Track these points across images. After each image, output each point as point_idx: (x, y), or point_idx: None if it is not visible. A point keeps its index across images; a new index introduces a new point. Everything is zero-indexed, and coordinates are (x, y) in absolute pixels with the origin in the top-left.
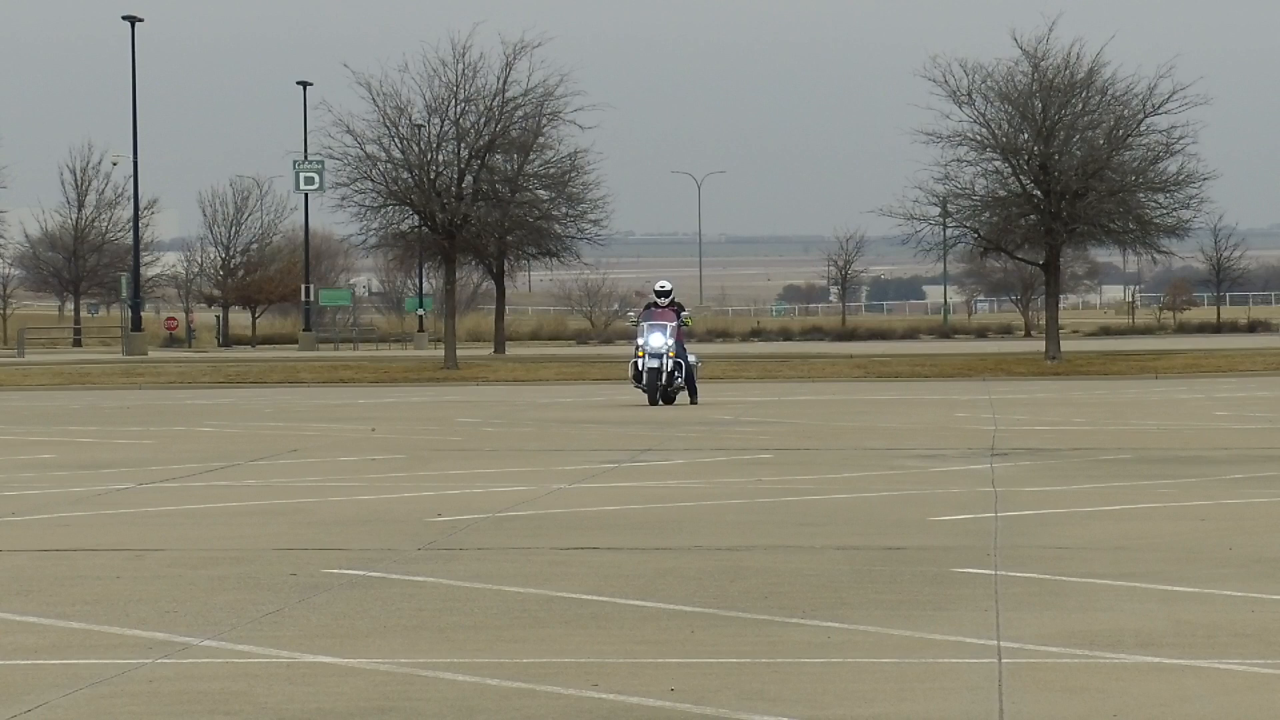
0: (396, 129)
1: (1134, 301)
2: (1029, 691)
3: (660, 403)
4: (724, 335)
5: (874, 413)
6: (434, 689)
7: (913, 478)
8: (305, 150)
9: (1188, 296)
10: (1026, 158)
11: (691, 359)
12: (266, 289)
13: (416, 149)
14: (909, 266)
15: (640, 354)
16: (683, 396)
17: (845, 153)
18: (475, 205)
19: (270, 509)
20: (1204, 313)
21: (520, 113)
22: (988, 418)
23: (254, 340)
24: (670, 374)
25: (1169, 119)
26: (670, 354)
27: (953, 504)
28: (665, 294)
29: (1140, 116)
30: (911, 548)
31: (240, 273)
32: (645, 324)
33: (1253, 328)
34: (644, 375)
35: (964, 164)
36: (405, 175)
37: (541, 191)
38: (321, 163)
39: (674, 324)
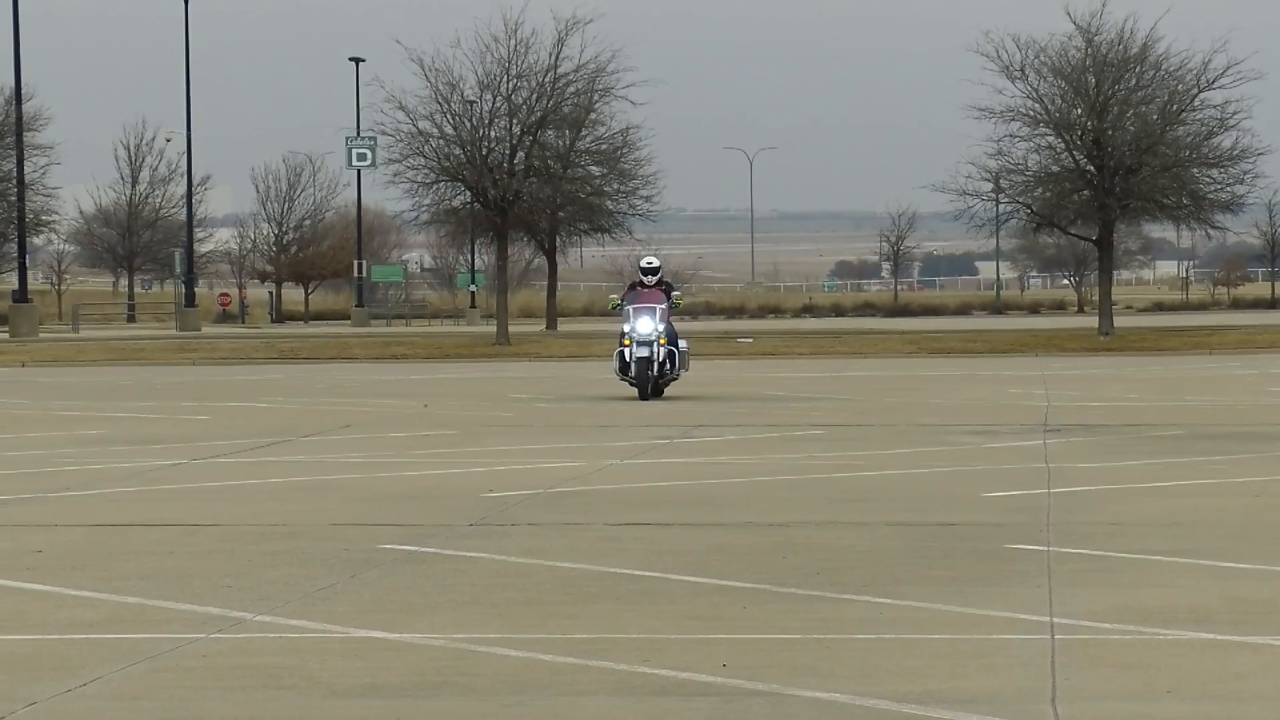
0: (449, 105)
1: (1187, 277)
2: (1082, 667)
3: (650, 396)
4: (776, 311)
5: (926, 389)
6: (486, 664)
7: (965, 454)
8: (358, 126)
9: (1242, 272)
10: (1080, 133)
11: (682, 345)
12: (319, 265)
13: (469, 125)
14: (961, 242)
15: (627, 342)
16: (674, 388)
17: (897, 128)
18: (527, 181)
19: (323, 484)
20: (1258, 288)
21: (572, 89)
22: (1040, 394)
23: (306, 316)
24: (662, 364)
25: (1223, 94)
26: (661, 340)
27: (1005, 480)
28: (653, 271)
29: (1194, 91)
30: (964, 524)
31: (293, 249)
32: (631, 308)
33: None
34: (632, 366)
35: (1017, 139)
36: (457, 151)
37: (593, 168)
38: (374, 139)
39: (663, 306)
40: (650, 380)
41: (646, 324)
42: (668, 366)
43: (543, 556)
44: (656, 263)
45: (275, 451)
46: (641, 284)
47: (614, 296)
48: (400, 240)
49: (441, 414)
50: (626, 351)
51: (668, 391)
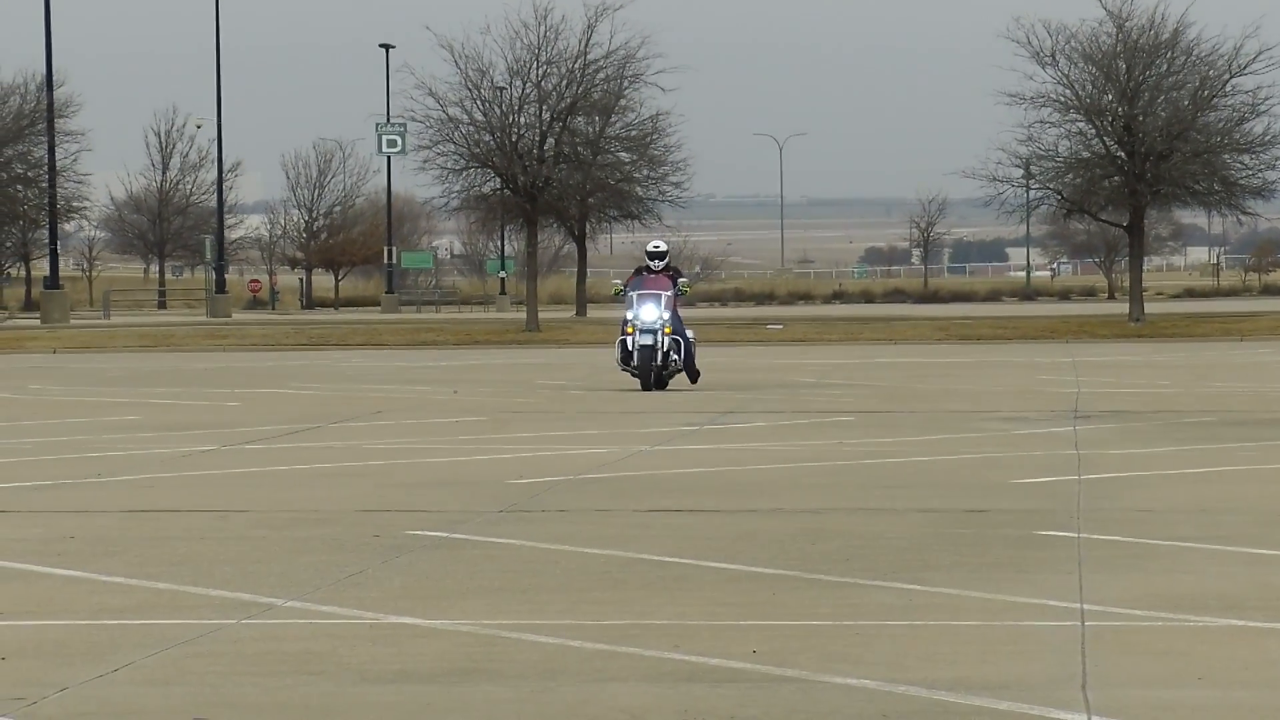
0: (478, 91)
1: (1218, 263)
2: (1112, 654)
3: (653, 387)
4: (806, 298)
5: (956, 375)
6: (516, 650)
7: (995, 440)
8: (388, 113)
9: (1273, 258)
10: (1110, 119)
11: (689, 335)
12: (349, 251)
13: (498, 111)
14: (991, 229)
15: (630, 330)
16: (680, 380)
17: (928, 114)
18: (557, 168)
19: (353, 471)
20: None
21: (602, 75)
22: (1070, 380)
23: (337, 303)
24: (666, 354)
25: (1255, 79)
26: (666, 330)
27: (1035, 467)
28: (659, 255)
29: (1226, 77)
30: (994, 510)
31: (323, 235)
32: (635, 294)
33: None
34: (635, 355)
35: (1047, 125)
36: (487, 138)
37: (623, 154)
38: (404, 125)
39: (670, 293)
40: (653, 371)
41: (651, 311)
42: (672, 357)
43: (572, 543)
44: (664, 247)
45: (306, 438)
46: (648, 269)
47: (617, 282)
48: (430, 227)
49: (471, 400)
50: (629, 340)
51: (671, 383)
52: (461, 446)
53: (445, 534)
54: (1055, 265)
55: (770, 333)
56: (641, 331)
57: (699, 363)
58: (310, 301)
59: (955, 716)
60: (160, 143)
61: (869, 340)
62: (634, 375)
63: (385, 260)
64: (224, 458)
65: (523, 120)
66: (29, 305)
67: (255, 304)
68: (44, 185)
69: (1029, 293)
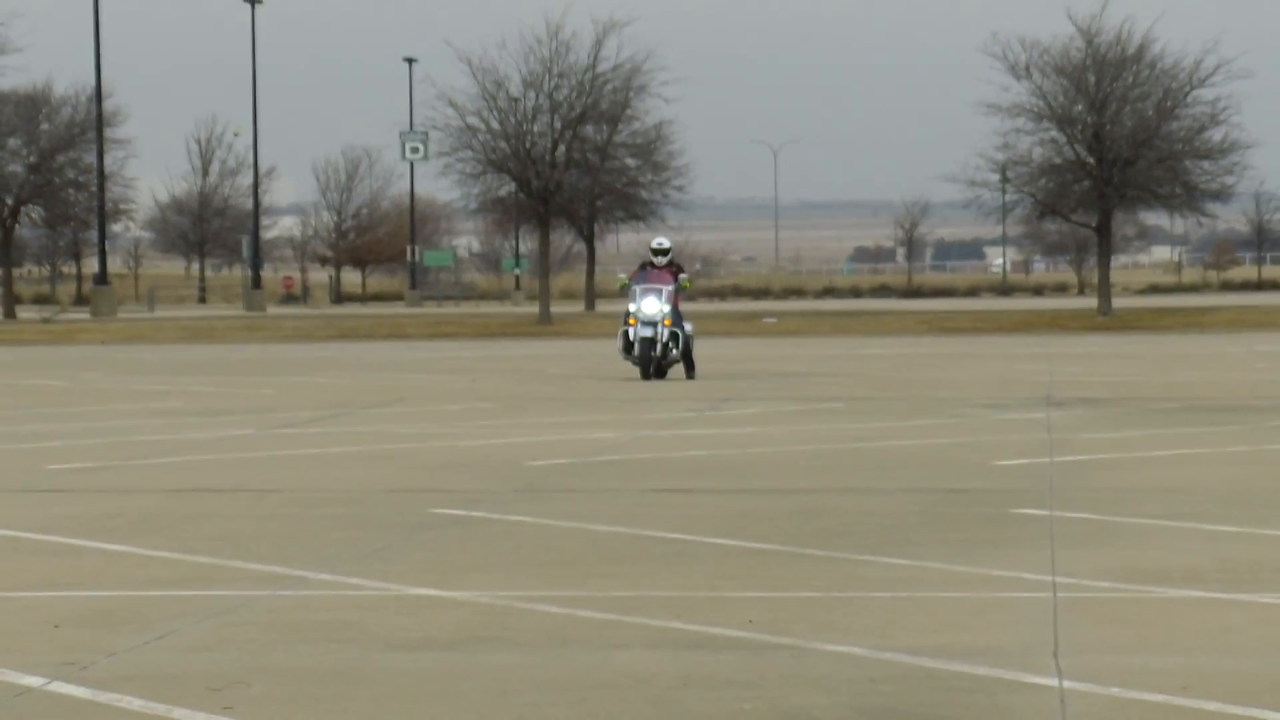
0: (495, 102)
1: (1180, 261)
2: (1082, 623)
3: (653, 377)
4: (799, 293)
5: (938, 365)
6: (530, 620)
7: (975, 425)
8: (411, 122)
9: (1231, 256)
10: (1080, 128)
11: (688, 328)
12: (375, 250)
13: (513, 120)
14: (970, 229)
15: (632, 321)
16: (676, 371)
17: (912, 123)
18: (568, 173)
19: (379, 453)
20: (1246, 271)
21: (609, 87)
22: (1044, 369)
23: (364, 298)
24: (665, 345)
25: (1214, 91)
26: (666, 322)
27: (1012, 450)
28: (663, 252)
29: (1187, 89)
30: (974, 490)
31: (351, 235)
32: (638, 287)
33: None
34: (636, 346)
35: (1022, 133)
36: (503, 145)
37: (629, 160)
38: (426, 133)
39: (671, 287)
40: (653, 361)
41: (652, 304)
42: (670, 348)
43: (582, 520)
44: (668, 243)
45: (335, 423)
46: (651, 264)
47: (621, 276)
48: (450, 227)
49: (488, 388)
50: (631, 331)
51: (670, 373)
52: (479, 431)
53: (464, 512)
54: (1027, 262)
55: (765, 325)
56: (642, 324)
57: (697, 354)
58: (339, 296)
59: (937, 681)
60: (200, 149)
61: (857, 333)
62: (635, 365)
63: (409, 258)
64: (260, 441)
65: (536, 128)
66: (80, 300)
67: (288, 299)
68: (94, 189)
69: (1005, 288)
